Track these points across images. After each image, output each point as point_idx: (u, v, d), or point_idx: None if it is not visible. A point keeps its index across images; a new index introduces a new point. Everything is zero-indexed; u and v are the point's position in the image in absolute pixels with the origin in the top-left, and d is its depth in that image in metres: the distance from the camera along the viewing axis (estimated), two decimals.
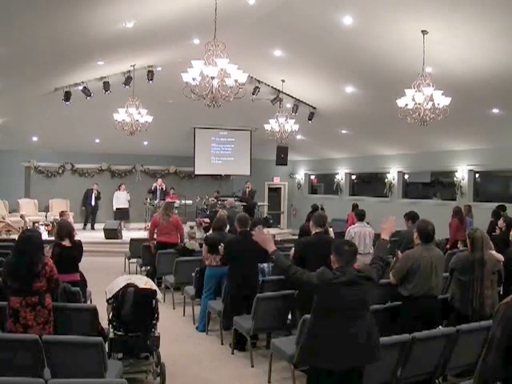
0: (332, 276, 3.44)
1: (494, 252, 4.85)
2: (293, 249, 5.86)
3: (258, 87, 12.03)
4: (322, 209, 13.17)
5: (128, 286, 4.60)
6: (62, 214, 9.42)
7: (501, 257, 4.95)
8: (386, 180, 14.89)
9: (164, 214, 8.53)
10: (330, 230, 7.32)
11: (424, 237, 4.58)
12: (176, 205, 14.66)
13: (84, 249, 5.78)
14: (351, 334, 3.37)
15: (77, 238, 5.89)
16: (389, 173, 14.81)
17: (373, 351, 3.47)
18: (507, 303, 2.60)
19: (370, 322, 3.50)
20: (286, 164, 16.34)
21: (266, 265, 6.22)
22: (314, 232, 5.37)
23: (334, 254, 3.57)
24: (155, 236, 8.70)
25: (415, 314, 4.43)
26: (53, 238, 9.92)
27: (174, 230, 8.59)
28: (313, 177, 19.07)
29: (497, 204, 10.17)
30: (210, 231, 9.53)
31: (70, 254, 5.43)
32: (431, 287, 4.51)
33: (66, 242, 5.52)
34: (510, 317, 2.53)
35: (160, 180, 15.42)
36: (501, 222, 7.45)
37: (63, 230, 5.70)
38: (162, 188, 15.04)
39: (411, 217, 6.30)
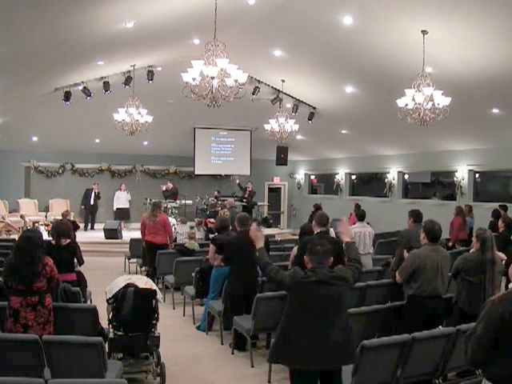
0: (303, 275, 3.45)
1: (499, 253, 4.86)
2: (294, 248, 5.84)
3: (258, 87, 12.03)
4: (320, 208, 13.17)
5: (128, 285, 4.60)
6: (63, 214, 9.39)
7: (503, 256, 4.96)
8: (386, 180, 14.89)
9: (151, 215, 8.49)
10: (331, 229, 7.29)
11: (431, 237, 4.58)
12: (176, 205, 14.72)
13: (84, 249, 5.77)
14: (323, 333, 3.36)
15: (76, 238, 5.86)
16: (389, 173, 14.81)
17: (347, 352, 3.45)
18: (493, 301, 2.63)
19: (345, 323, 3.48)
20: (286, 164, 16.33)
21: None
22: (316, 231, 5.37)
23: (307, 255, 3.57)
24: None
25: (420, 313, 4.44)
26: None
27: (161, 230, 8.50)
28: (313, 177, 19.07)
29: (497, 204, 10.18)
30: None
31: (58, 254, 5.37)
32: (436, 287, 4.52)
33: (63, 242, 5.51)
34: (494, 315, 2.57)
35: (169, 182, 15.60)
36: (500, 223, 7.45)
37: (52, 229, 5.71)
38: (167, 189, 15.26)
39: (414, 215, 6.19)
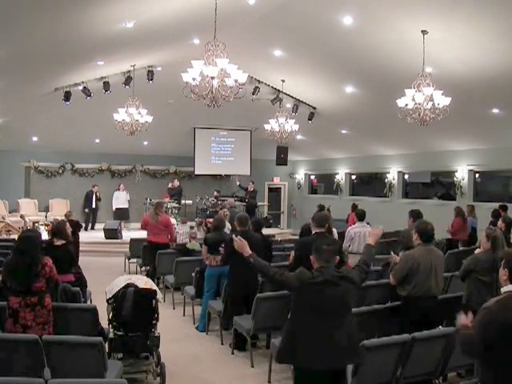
0: (309, 276, 3.44)
1: None
2: (292, 253, 5.85)
3: (258, 87, 12.02)
4: (328, 210, 13.18)
5: (128, 285, 4.61)
6: (66, 215, 9.35)
7: None
8: (386, 180, 14.89)
9: (153, 214, 8.53)
10: (334, 230, 7.32)
11: (424, 237, 4.58)
12: (176, 205, 14.73)
13: (84, 249, 5.73)
14: (330, 333, 3.36)
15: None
16: (389, 173, 14.81)
17: (353, 352, 3.46)
18: (489, 308, 2.62)
19: (351, 323, 3.48)
20: (286, 164, 16.34)
21: None
22: (314, 232, 5.36)
23: (314, 254, 3.54)
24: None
25: (414, 314, 4.43)
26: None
27: (163, 230, 8.53)
28: (313, 177, 19.06)
29: (497, 204, 10.17)
30: None
31: (53, 254, 5.32)
32: (430, 287, 4.51)
33: (56, 242, 5.45)
34: (487, 322, 2.59)
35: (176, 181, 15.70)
36: (500, 223, 7.43)
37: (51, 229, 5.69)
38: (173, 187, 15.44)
39: (414, 215, 6.18)
